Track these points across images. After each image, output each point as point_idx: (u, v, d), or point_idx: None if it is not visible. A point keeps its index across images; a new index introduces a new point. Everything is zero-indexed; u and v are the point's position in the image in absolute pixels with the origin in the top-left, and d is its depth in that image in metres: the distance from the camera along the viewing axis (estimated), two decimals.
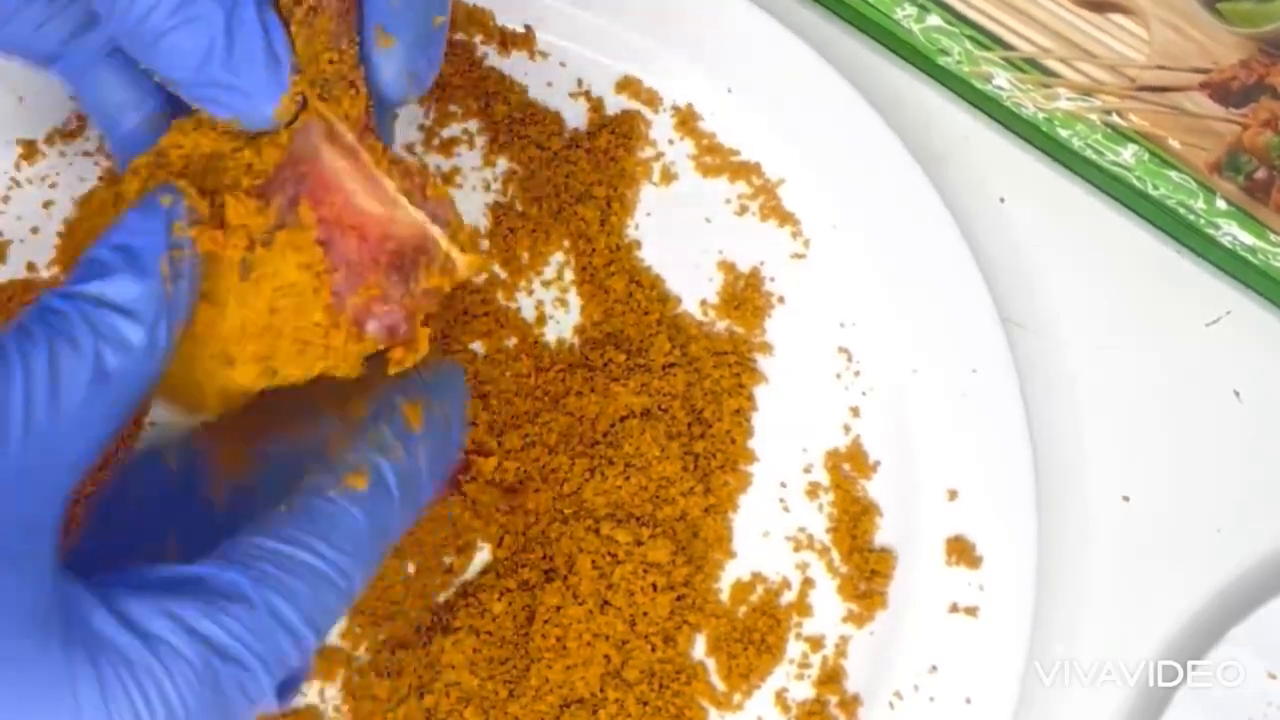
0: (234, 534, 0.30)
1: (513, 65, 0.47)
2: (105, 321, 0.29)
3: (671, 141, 0.47)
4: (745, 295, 0.46)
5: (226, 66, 0.31)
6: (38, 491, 0.27)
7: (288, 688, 0.31)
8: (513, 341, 0.45)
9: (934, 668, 0.42)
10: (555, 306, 0.46)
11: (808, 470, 0.45)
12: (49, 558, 0.27)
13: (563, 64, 0.48)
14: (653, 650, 0.42)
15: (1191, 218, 0.47)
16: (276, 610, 0.29)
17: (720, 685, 0.42)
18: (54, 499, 0.28)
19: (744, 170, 0.47)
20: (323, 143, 0.33)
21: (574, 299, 0.46)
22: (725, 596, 0.43)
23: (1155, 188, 0.47)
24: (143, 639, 0.27)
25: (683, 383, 0.44)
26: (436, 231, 0.33)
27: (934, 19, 0.48)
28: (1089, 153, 0.48)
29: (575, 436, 0.44)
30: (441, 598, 0.42)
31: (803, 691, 0.42)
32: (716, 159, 0.47)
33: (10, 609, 0.26)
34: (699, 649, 0.42)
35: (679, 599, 0.42)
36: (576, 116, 0.47)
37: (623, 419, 0.44)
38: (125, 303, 0.29)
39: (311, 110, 0.33)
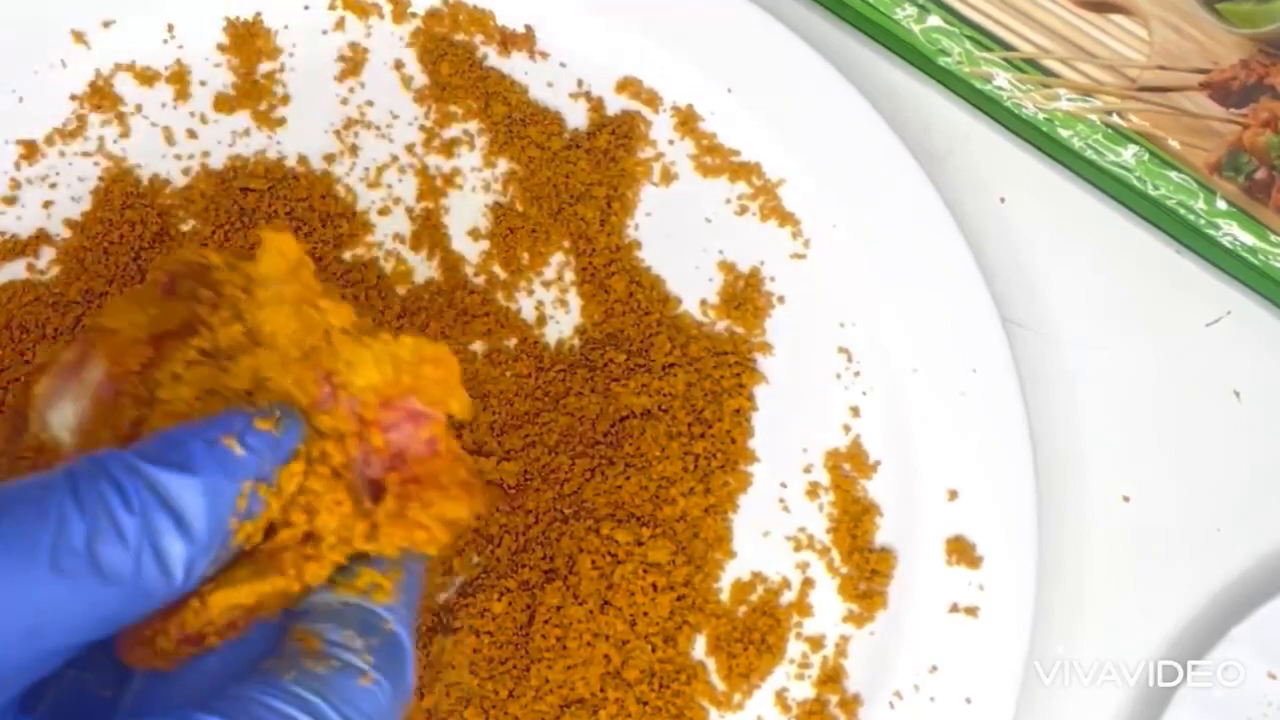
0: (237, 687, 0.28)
1: (513, 65, 0.47)
2: (157, 523, 0.26)
3: (672, 142, 0.47)
4: (745, 295, 0.46)
5: None
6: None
7: None
8: (513, 342, 0.45)
9: (934, 668, 0.42)
10: (555, 307, 0.46)
11: (808, 470, 0.45)
12: None
13: (563, 64, 0.48)
14: (653, 650, 0.42)
15: (1191, 218, 0.47)
16: None
17: (720, 685, 0.42)
18: (14, 678, 0.25)
19: (744, 170, 0.47)
20: None
21: (574, 299, 0.46)
22: (725, 596, 0.43)
23: (1155, 188, 0.47)
24: None
25: (683, 383, 0.44)
26: None
27: (934, 19, 0.48)
28: (1089, 153, 0.48)
29: (575, 437, 0.44)
30: (441, 598, 0.42)
31: (803, 691, 0.42)
32: (716, 159, 0.47)
33: None
34: (699, 649, 0.42)
35: (679, 599, 0.42)
36: (577, 117, 0.47)
37: (623, 419, 0.44)
38: (186, 514, 0.26)
39: None
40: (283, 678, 0.27)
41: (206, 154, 0.46)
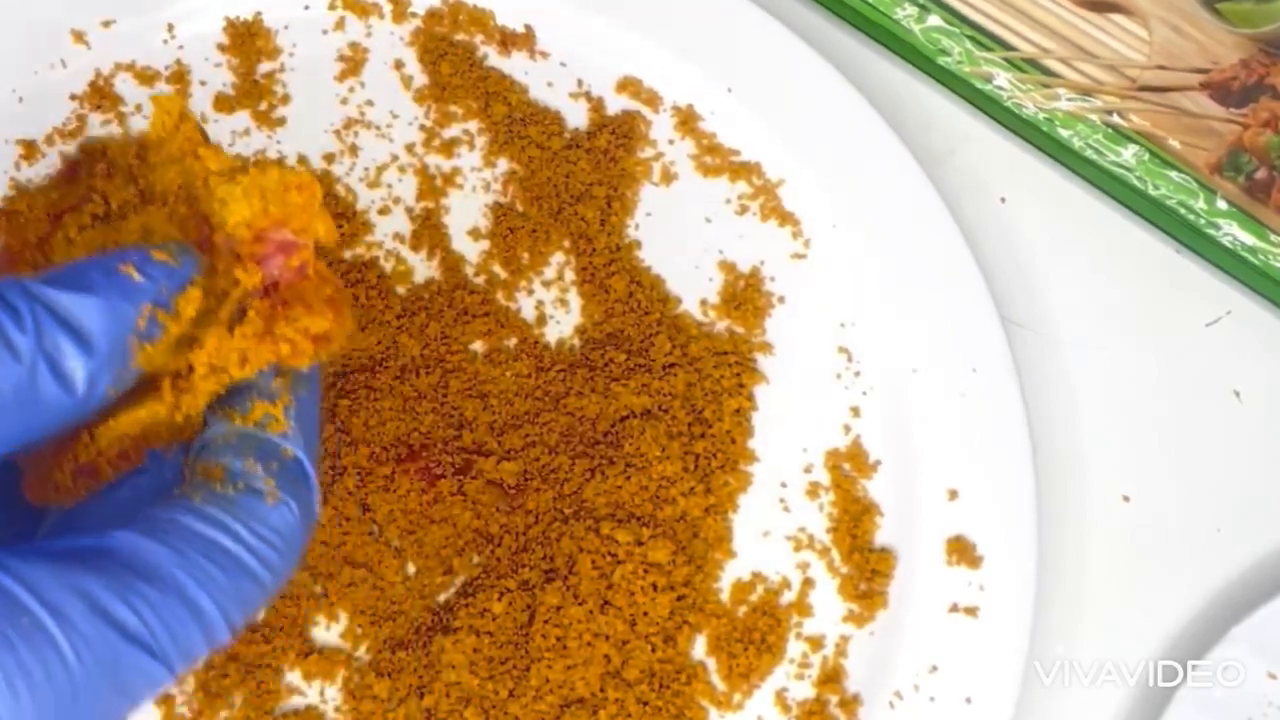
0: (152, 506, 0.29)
1: (513, 65, 0.47)
2: (54, 339, 0.27)
3: (672, 141, 0.47)
4: (745, 295, 0.46)
5: None
6: None
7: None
8: (513, 342, 0.45)
9: (934, 668, 0.42)
10: (555, 307, 0.46)
11: (808, 470, 0.45)
12: None
13: (563, 64, 0.48)
14: (653, 650, 0.42)
15: (1191, 218, 0.47)
16: (192, 598, 0.27)
17: (720, 685, 0.42)
18: None
19: (744, 170, 0.47)
20: None
21: (574, 299, 0.46)
22: (725, 596, 0.43)
23: (1155, 188, 0.47)
24: (43, 606, 0.25)
25: (683, 383, 0.44)
26: None
27: (934, 19, 0.48)
28: (1089, 153, 0.48)
29: (576, 436, 0.44)
30: (441, 598, 0.42)
31: (803, 691, 0.42)
32: (717, 159, 0.47)
33: None
34: (699, 649, 0.42)
35: (679, 599, 0.42)
36: (577, 116, 0.47)
37: (623, 419, 0.44)
38: (85, 330, 0.27)
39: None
40: (193, 499, 0.29)
41: None
